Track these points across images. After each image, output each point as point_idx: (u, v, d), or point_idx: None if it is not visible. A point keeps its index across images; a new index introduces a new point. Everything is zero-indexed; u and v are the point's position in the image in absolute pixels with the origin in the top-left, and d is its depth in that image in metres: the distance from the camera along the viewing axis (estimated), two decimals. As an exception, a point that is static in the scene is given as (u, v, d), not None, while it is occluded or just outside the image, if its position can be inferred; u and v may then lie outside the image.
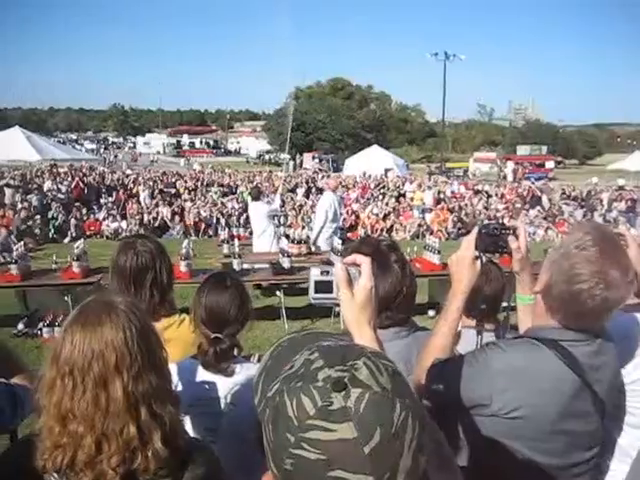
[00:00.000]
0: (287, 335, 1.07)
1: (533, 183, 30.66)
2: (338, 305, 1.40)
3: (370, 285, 1.35)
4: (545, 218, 21.74)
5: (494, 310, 2.59)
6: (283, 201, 19.61)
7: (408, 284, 2.24)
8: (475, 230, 2.08)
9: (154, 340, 1.60)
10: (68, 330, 1.50)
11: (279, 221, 13.64)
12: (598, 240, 1.79)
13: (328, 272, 1.45)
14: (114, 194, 23.09)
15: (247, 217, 18.12)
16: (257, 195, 11.46)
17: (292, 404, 0.82)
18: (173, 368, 2.36)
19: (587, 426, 1.85)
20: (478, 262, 2.03)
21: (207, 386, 2.38)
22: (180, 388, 2.31)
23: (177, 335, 2.69)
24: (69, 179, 23.81)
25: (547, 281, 1.85)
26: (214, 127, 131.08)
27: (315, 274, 1.47)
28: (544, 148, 65.73)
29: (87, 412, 1.45)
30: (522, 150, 65.14)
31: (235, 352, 2.44)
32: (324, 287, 1.45)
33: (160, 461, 1.48)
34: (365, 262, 1.37)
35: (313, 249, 10.24)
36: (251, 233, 14.17)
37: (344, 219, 19.09)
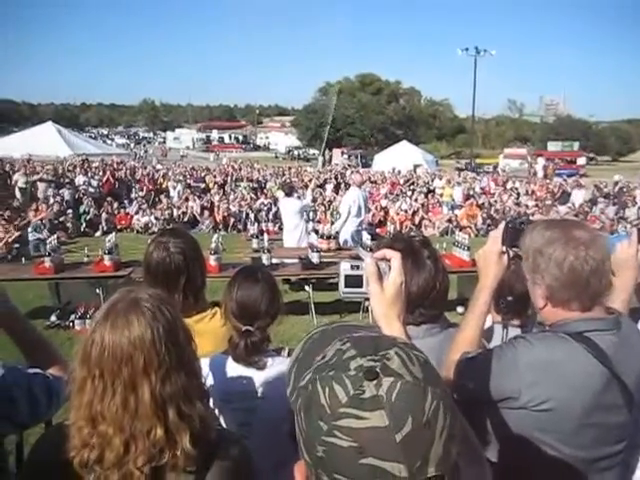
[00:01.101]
0: (318, 327, 1.07)
1: (565, 180, 30.25)
2: (368, 299, 1.40)
3: (400, 280, 1.36)
4: (576, 215, 21.46)
5: (524, 307, 2.58)
6: (314, 197, 19.67)
7: (441, 280, 2.23)
8: (502, 225, 2.10)
9: (182, 336, 1.60)
10: (97, 330, 1.51)
11: (309, 216, 13.67)
12: (552, 224, 1.91)
13: (358, 267, 1.46)
14: (144, 189, 23.29)
15: (276, 212, 18.21)
16: (290, 191, 11.50)
17: (325, 392, 0.83)
18: (205, 362, 2.38)
19: (616, 419, 1.85)
20: (505, 257, 2.06)
21: (239, 380, 2.38)
22: (211, 383, 2.33)
23: (208, 329, 2.69)
24: (100, 174, 24.07)
25: (544, 287, 1.89)
26: (243, 122, 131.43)
27: (345, 268, 1.48)
28: (576, 144, 64.75)
29: (116, 415, 1.47)
30: (553, 146, 64.30)
31: (266, 346, 2.44)
32: (354, 281, 1.47)
33: (189, 459, 1.49)
34: (395, 257, 1.38)
35: (336, 243, 10.22)
36: (280, 228, 14.22)
37: (373, 215, 19.06)
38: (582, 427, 1.81)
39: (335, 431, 0.80)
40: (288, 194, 11.42)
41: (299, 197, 12.66)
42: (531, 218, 2.55)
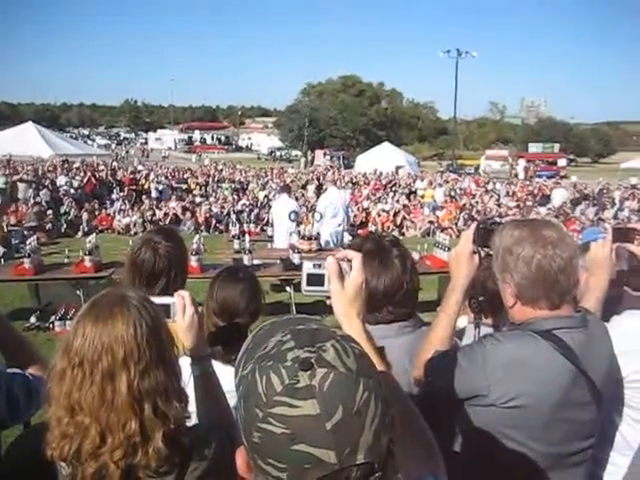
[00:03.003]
0: (270, 319, 1.10)
1: (545, 181, 30.49)
2: (329, 298, 1.44)
3: (360, 279, 1.41)
4: (556, 216, 21.62)
5: (497, 306, 2.61)
6: (297, 198, 19.74)
7: (409, 279, 2.28)
8: (473, 226, 2.16)
9: (165, 337, 1.63)
10: (80, 322, 1.54)
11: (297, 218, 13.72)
12: (521, 224, 1.97)
13: (320, 265, 1.49)
14: (125, 189, 23.16)
15: (258, 213, 18.20)
16: (288, 191, 11.62)
17: (262, 381, 0.87)
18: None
19: (584, 415, 1.90)
20: (476, 257, 2.11)
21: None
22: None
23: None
24: (81, 174, 23.91)
25: (513, 285, 1.93)
26: (226, 123, 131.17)
27: (308, 267, 1.51)
28: (556, 146, 65.39)
29: (93, 404, 1.49)
30: (534, 148, 64.89)
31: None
32: (316, 280, 1.50)
33: (161, 459, 1.51)
34: (356, 257, 1.42)
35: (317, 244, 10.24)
36: (262, 229, 14.20)
37: (354, 216, 19.08)
38: (551, 423, 1.85)
39: (269, 418, 0.84)
40: (284, 194, 11.50)
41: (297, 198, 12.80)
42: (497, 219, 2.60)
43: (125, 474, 1.49)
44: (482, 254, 2.11)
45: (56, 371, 1.54)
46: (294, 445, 0.82)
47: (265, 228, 16.32)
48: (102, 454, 1.48)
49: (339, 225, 11.58)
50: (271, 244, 11.14)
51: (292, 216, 10.60)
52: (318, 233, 10.95)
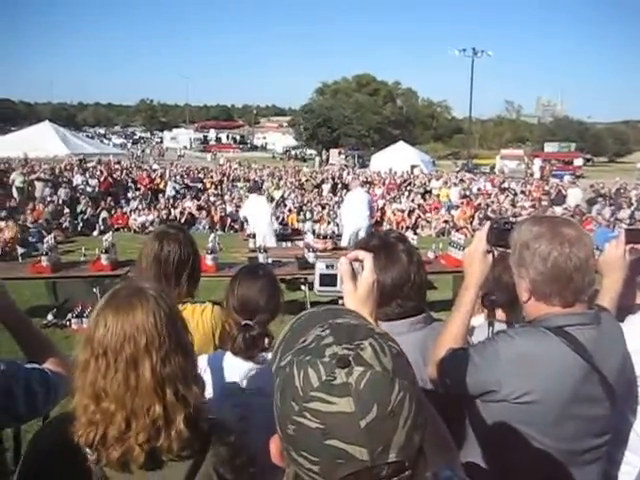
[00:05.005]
0: (308, 309, 1.11)
1: (561, 180, 30.30)
2: (342, 298, 1.45)
3: (372, 279, 1.42)
4: (572, 216, 21.48)
5: (512, 304, 2.61)
6: (283, 198, 20.02)
7: (415, 271, 2.28)
8: (487, 225, 2.17)
9: (180, 325, 1.67)
10: (101, 314, 1.58)
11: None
12: (541, 220, 1.97)
13: (333, 266, 1.52)
14: (142, 188, 23.28)
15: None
16: (258, 189, 11.66)
17: (299, 375, 0.88)
18: (203, 359, 2.42)
19: (597, 411, 1.90)
20: (489, 256, 2.14)
21: (237, 375, 2.41)
22: (211, 379, 2.36)
23: (195, 319, 2.80)
24: (97, 173, 24.06)
25: (528, 281, 1.94)
26: (241, 122, 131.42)
27: (320, 267, 1.55)
28: (573, 145, 64.80)
29: (118, 391, 1.53)
30: (550, 147, 64.28)
31: (266, 343, 2.47)
32: (329, 280, 1.54)
33: (182, 441, 1.55)
34: (367, 257, 1.44)
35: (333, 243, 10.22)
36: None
37: (371, 216, 19.09)
38: (563, 419, 1.86)
39: (305, 412, 0.85)
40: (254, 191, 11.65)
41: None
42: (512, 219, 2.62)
43: (148, 457, 1.53)
44: (495, 253, 2.13)
45: (79, 362, 1.58)
46: (327, 440, 0.84)
47: (280, 227, 16.36)
48: (127, 439, 1.52)
49: (366, 224, 11.56)
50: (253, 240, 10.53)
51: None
52: (333, 232, 10.98)
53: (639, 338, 2.12)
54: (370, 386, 0.85)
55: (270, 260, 8.69)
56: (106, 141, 72.71)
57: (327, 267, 1.54)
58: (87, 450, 1.54)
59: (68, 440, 1.53)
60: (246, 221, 11.82)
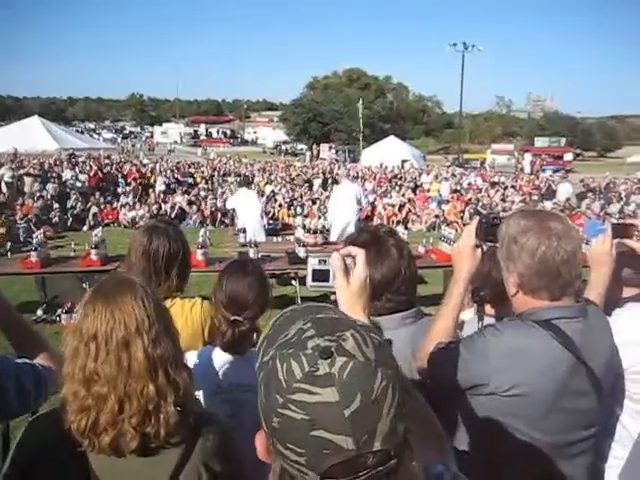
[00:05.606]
0: (290, 306, 1.12)
1: (551, 175, 30.40)
2: (334, 293, 1.46)
3: (365, 275, 1.44)
4: (562, 210, 21.54)
5: (501, 298, 2.62)
6: (274, 192, 20.00)
7: (406, 265, 2.29)
8: (475, 220, 2.19)
9: (168, 316, 1.70)
10: (89, 303, 1.59)
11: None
12: (529, 214, 1.99)
13: (325, 261, 1.53)
14: (132, 183, 23.19)
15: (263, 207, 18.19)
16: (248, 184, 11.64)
17: (282, 368, 0.89)
18: (193, 355, 2.41)
19: (584, 404, 1.92)
20: (479, 250, 2.16)
21: (227, 371, 2.41)
22: (200, 375, 2.36)
23: (184, 314, 2.79)
24: (87, 168, 23.93)
25: (516, 275, 1.95)
26: (231, 117, 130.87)
27: (313, 263, 1.56)
28: (563, 140, 65.08)
29: (111, 373, 1.53)
30: (540, 142, 64.56)
31: (255, 338, 2.47)
32: (321, 276, 1.55)
33: (171, 426, 1.55)
34: (360, 253, 1.45)
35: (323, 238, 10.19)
36: (268, 223, 14.17)
37: (360, 209, 19.08)
38: (550, 412, 1.87)
39: (289, 404, 0.86)
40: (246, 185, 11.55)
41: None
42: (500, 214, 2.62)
43: (140, 442, 1.54)
44: (484, 248, 2.15)
45: (68, 350, 1.58)
46: (313, 431, 0.85)
47: (270, 222, 16.32)
48: (120, 422, 1.53)
49: (355, 218, 11.49)
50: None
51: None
52: (324, 226, 10.96)
53: (625, 331, 2.14)
54: (353, 376, 0.86)
55: (260, 255, 8.68)
56: (96, 136, 72.16)
57: (320, 262, 1.55)
58: (79, 439, 1.53)
59: (58, 432, 1.53)
60: (233, 211, 11.80)
